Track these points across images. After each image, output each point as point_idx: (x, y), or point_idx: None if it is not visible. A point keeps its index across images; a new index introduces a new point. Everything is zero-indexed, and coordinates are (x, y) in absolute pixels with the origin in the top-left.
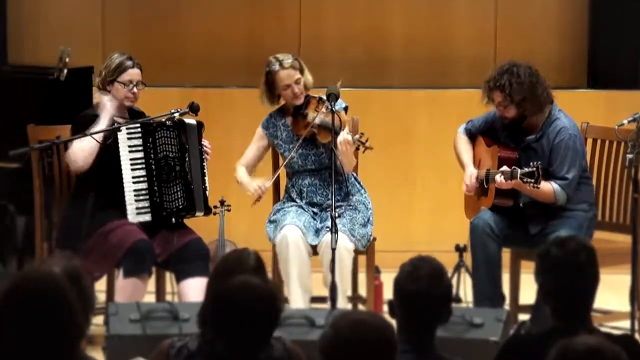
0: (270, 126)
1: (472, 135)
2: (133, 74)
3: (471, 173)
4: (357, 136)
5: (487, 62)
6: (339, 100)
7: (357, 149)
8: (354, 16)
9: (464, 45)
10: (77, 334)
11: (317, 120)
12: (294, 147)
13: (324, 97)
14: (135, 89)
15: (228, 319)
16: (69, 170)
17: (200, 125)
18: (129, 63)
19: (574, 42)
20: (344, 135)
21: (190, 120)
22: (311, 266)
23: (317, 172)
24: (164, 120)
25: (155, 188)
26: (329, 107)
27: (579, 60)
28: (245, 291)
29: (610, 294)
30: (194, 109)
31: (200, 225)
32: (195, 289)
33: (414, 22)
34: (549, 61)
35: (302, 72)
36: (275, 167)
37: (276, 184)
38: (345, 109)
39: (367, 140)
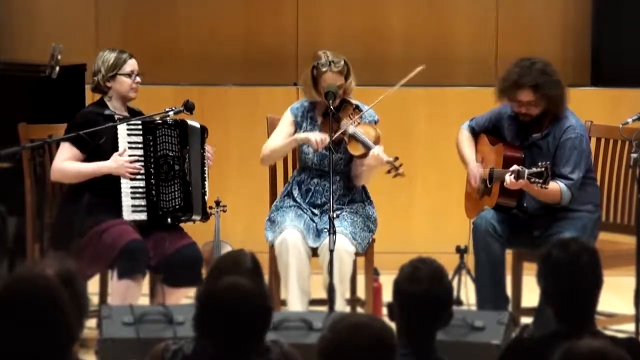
0: (299, 114)
1: (475, 134)
2: (132, 64)
3: (475, 173)
4: (390, 158)
5: (488, 61)
6: (371, 112)
7: (388, 172)
8: (352, 14)
9: (465, 44)
10: (69, 337)
11: (350, 130)
12: (328, 138)
13: (361, 106)
14: (137, 79)
15: (216, 320)
16: None
17: (203, 129)
18: (125, 55)
19: (577, 40)
20: (379, 152)
21: (194, 123)
22: (311, 268)
23: (328, 174)
24: (166, 119)
25: (153, 186)
26: (364, 117)
27: (582, 58)
28: (233, 292)
29: (615, 296)
30: (189, 107)
31: (195, 226)
32: (179, 299)
33: (414, 20)
34: (551, 59)
35: (347, 78)
36: (293, 156)
37: (273, 186)
38: (376, 122)
39: (400, 166)
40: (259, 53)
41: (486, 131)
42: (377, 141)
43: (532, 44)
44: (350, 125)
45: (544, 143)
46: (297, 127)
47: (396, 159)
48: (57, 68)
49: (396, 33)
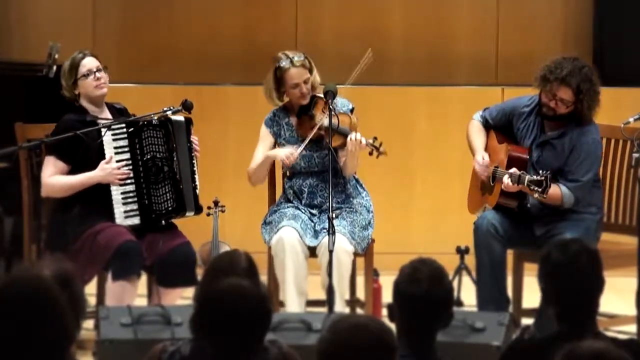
0: (274, 124)
1: (487, 126)
2: (87, 63)
3: (482, 155)
4: (370, 140)
5: (489, 61)
6: (345, 101)
7: (370, 153)
8: (351, 12)
9: (465, 43)
10: (66, 338)
11: (325, 123)
12: (298, 148)
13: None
14: (98, 74)
15: (216, 321)
16: None
17: (188, 121)
18: (79, 56)
19: (578, 39)
20: (357, 136)
21: (178, 117)
22: (309, 268)
23: (319, 173)
24: (150, 118)
25: (144, 190)
26: (334, 108)
27: (584, 58)
28: (233, 293)
29: (616, 297)
30: (187, 106)
31: (194, 226)
32: (174, 300)
33: (414, 19)
34: None
35: (311, 71)
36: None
37: (272, 186)
38: (352, 110)
39: (380, 145)
40: (258, 52)
41: (498, 124)
42: (352, 128)
43: (533, 44)
44: (324, 119)
45: (559, 143)
46: (276, 136)
47: (375, 138)
48: (55, 67)
49: (396, 33)
